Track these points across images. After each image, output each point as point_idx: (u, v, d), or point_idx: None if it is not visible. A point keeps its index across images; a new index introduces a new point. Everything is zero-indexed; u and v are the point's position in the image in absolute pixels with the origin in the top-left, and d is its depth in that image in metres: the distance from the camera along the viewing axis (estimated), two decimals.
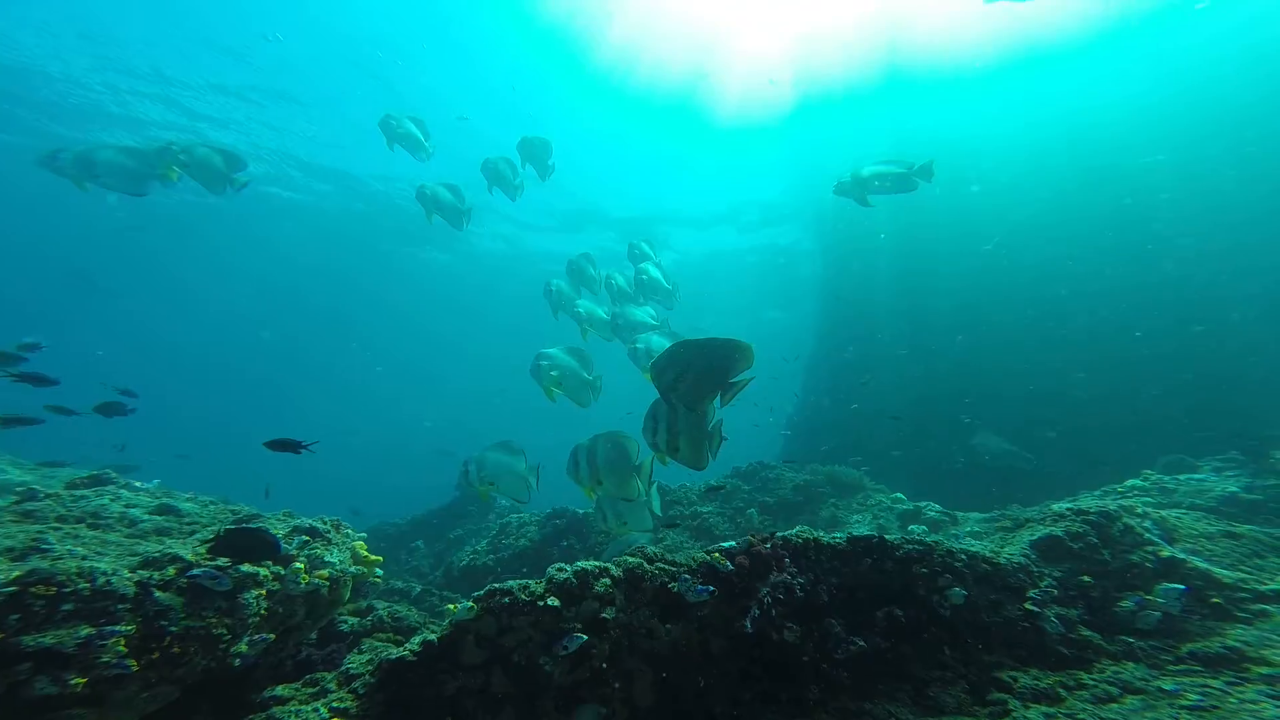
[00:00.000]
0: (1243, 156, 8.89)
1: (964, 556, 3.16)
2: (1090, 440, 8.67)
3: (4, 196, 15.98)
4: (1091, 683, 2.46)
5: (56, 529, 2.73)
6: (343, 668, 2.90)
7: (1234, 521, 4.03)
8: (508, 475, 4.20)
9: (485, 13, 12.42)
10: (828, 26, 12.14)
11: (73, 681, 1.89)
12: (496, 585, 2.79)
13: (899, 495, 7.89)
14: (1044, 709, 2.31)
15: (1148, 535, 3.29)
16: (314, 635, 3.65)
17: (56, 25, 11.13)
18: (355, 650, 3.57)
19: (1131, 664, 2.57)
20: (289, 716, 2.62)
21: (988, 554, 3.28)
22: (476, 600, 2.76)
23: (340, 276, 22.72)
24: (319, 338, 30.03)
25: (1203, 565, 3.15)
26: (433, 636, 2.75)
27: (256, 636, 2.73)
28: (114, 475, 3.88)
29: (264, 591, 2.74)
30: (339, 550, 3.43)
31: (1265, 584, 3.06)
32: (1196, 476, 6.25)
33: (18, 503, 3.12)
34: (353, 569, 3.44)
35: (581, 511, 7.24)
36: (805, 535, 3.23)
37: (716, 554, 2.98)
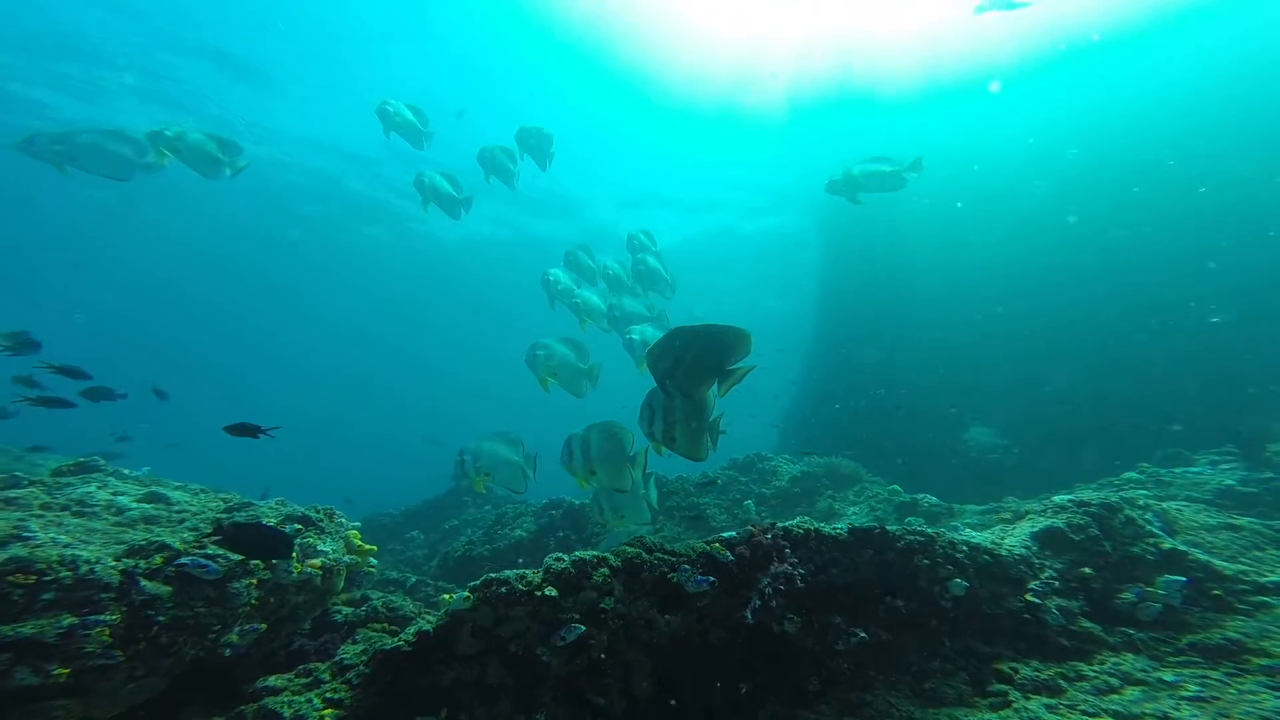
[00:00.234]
0: (1230, 154, 8.89)
1: (966, 548, 3.14)
2: (1082, 434, 8.70)
3: None
4: (1092, 674, 2.44)
5: (40, 516, 2.66)
6: (336, 658, 2.86)
7: (1233, 514, 4.02)
8: (504, 466, 4.15)
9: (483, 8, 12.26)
10: (832, 25, 12.00)
11: (55, 672, 1.83)
12: (493, 575, 2.75)
13: (896, 487, 7.90)
14: (1045, 700, 2.30)
15: (1149, 527, 3.27)
16: (308, 625, 3.61)
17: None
18: (350, 640, 3.53)
19: (1132, 655, 2.56)
20: (282, 707, 2.58)
21: (989, 545, 3.26)
22: (472, 590, 2.72)
23: (319, 259, 22.42)
24: (301, 326, 29.77)
25: (1203, 558, 3.14)
26: (428, 626, 2.71)
27: (247, 626, 2.68)
28: (102, 463, 3.80)
29: (254, 581, 2.68)
30: (332, 539, 3.38)
31: (1265, 576, 3.05)
32: (1193, 470, 6.27)
33: (3, 489, 3.05)
34: (346, 558, 3.39)
35: (578, 502, 7.21)
36: (806, 526, 3.20)
37: (716, 544, 2.95)
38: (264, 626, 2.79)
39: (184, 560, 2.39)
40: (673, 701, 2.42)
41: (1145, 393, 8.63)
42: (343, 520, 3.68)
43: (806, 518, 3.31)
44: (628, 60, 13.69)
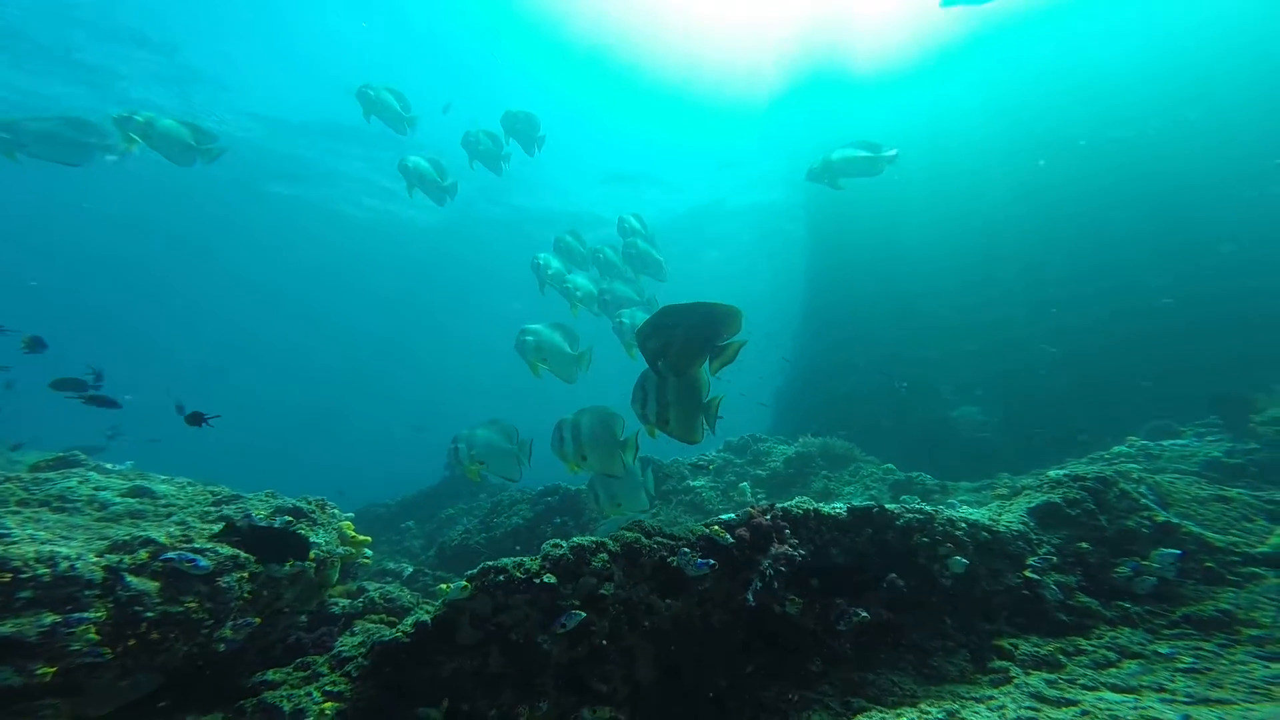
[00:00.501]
0: (1210, 121, 8.88)
1: (964, 525, 3.14)
2: (1071, 409, 8.81)
3: None
4: (1090, 648, 2.47)
5: (16, 513, 2.57)
6: (334, 651, 2.82)
7: (1223, 486, 4.08)
8: (498, 453, 4.09)
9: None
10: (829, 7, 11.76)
11: (40, 671, 1.77)
12: (490, 563, 2.71)
13: (890, 466, 7.96)
14: (1045, 675, 2.32)
15: (1143, 500, 3.30)
16: (304, 618, 3.57)
17: None
18: (347, 632, 3.49)
19: (1128, 629, 2.59)
20: (281, 701, 2.54)
21: (987, 522, 3.27)
22: (470, 579, 2.67)
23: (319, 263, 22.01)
24: (287, 320, 29.32)
25: (1196, 530, 3.17)
26: (426, 617, 2.67)
27: (240, 621, 2.63)
28: (83, 457, 3.69)
29: (246, 574, 2.62)
30: (325, 530, 3.32)
31: (1255, 547, 3.10)
32: (1180, 442, 6.37)
33: None
34: (340, 549, 3.34)
35: (574, 488, 7.20)
36: (805, 506, 3.19)
37: (716, 526, 2.92)
38: (258, 620, 2.73)
39: (171, 555, 2.33)
40: (676, 686, 2.42)
41: (1129, 364, 8.74)
42: (335, 511, 3.62)
43: (805, 498, 3.30)
44: (605, 41, 13.37)
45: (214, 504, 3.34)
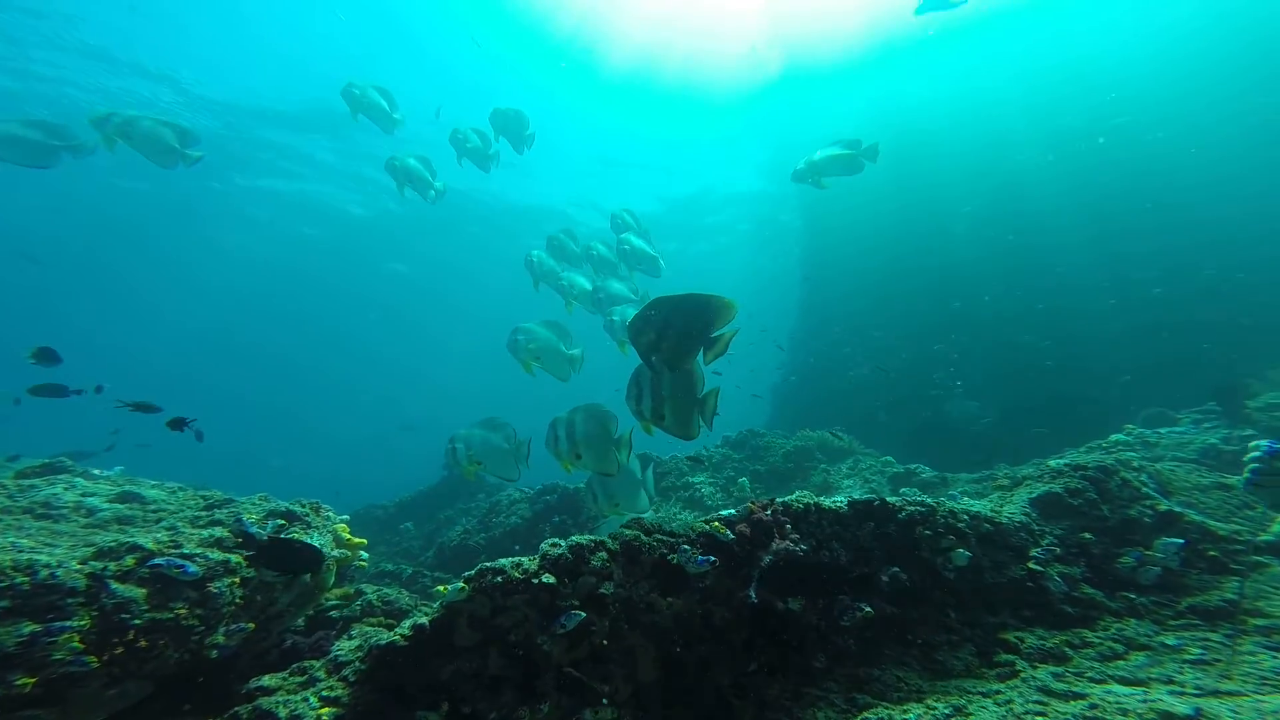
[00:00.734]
0: (1201, 113, 8.89)
1: (966, 517, 3.11)
2: (1064, 398, 8.84)
3: None
4: (1096, 640, 2.44)
5: None
6: (331, 655, 2.77)
7: (1223, 474, 4.07)
8: (495, 453, 4.03)
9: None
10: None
11: (19, 682, 1.71)
12: (488, 564, 2.66)
13: (889, 458, 7.96)
14: (1052, 668, 2.29)
15: (1145, 489, 3.28)
16: (301, 622, 3.51)
17: None
18: (345, 636, 3.44)
19: (1134, 620, 2.56)
20: (277, 707, 2.49)
21: (989, 513, 3.24)
22: (467, 580, 2.63)
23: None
24: (285, 327, 29.10)
25: (1198, 519, 3.15)
26: (424, 620, 2.62)
27: (233, 626, 2.57)
28: (69, 463, 3.62)
29: (238, 579, 2.56)
30: (319, 534, 3.26)
31: (1259, 535, 3.08)
32: (1177, 430, 6.38)
33: None
34: (335, 552, 3.28)
35: (573, 487, 7.15)
36: (805, 500, 3.15)
37: (716, 523, 2.88)
38: (252, 626, 2.68)
39: (158, 561, 2.27)
40: (678, 685, 2.38)
41: (1119, 356, 8.77)
42: (330, 514, 3.56)
43: (806, 492, 3.27)
44: (582, 33, 13.22)
45: (205, 509, 3.27)
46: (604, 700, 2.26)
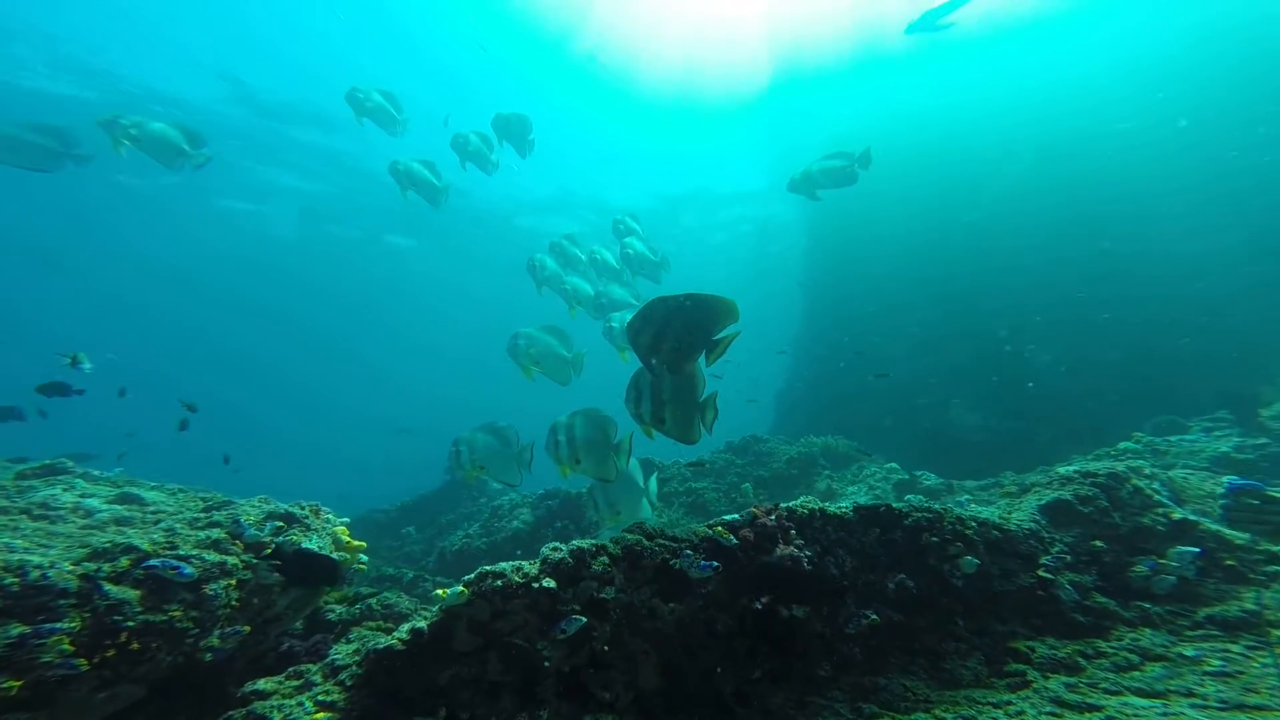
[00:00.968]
0: (1211, 119, 8.86)
1: (974, 524, 3.06)
2: (1069, 407, 8.75)
3: None
4: (1110, 651, 2.37)
5: None
6: (328, 659, 2.72)
7: None
8: (498, 458, 4.00)
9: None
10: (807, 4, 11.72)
11: (5, 684, 1.68)
12: (488, 568, 2.62)
13: (893, 465, 7.87)
14: (1064, 679, 2.22)
15: (1157, 497, 3.21)
16: (300, 625, 3.47)
17: None
18: (343, 640, 3.40)
19: (1149, 630, 2.49)
20: (271, 711, 2.44)
21: (997, 520, 3.18)
22: (467, 584, 2.59)
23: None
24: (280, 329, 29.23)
25: (1213, 527, 3.08)
26: (422, 624, 2.58)
27: (229, 629, 2.54)
28: (69, 464, 3.60)
29: (234, 581, 2.53)
30: (318, 536, 3.22)
31: (1278, 544, 3.01)
32: (1188, 438, 6.28)
33: None
34: (334, 555, 3.24)
35: (575, 492, 7.10)
36: (810, 506, 3.10)
37: (719, 527, 2.84)
38: (248, 629, 2.64)
39: (153, 562, 2.24)
40: (680, 692, 2.32)
41: (1123, 364, 8.69)
42: (330, 516, 3.53)
43: (810, 497, 3.22)
44: (581, 35, 13.29)
45: (204, 510, 3.24)
46: (605, 707, 2.21)
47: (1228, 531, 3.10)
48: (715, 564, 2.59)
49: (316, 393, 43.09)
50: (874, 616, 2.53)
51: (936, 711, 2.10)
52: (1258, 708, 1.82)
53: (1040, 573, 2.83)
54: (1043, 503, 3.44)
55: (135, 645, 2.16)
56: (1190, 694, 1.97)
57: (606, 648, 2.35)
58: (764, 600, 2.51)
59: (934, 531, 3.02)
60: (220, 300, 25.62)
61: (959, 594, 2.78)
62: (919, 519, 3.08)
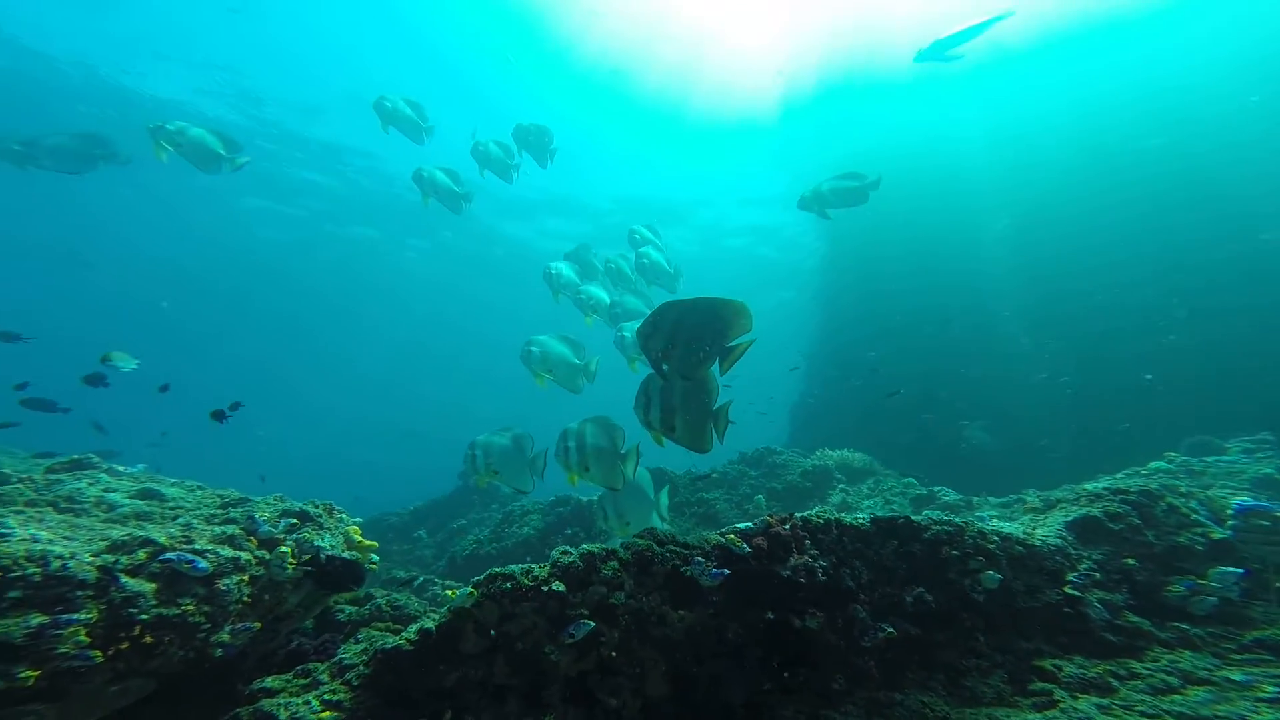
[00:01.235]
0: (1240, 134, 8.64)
1: (997, 538, 2.95)
2: (1091, 428, 8.49)
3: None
4: (1146, 672, 2.25)
5: (21, 513, 2.54)
6: (336, 658, 2.72)
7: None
8: (513, 464, 3.98)
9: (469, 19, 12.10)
10: (837, 18, 11.79)
11: (21, 675, 1.70)
12: (497, 570, 2.60)
13: (911, 480, 7.69)
14: (1095, 700, 2.11)
15: (1195, 516, 3.06)
16: (310, 624, 3.48)
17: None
18: (351, 640, 3.40)
19: (1190, 652, 2.36)
20: (278, 709, 2.44)
21: (1021, 536, 3.07)
22: (476, 586, 2.57)
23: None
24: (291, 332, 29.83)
25: (1260, 548, 2.92)
26: (430, 625, 2.57)
27: (240, 625, 2.55)
28: (96, 460, 3.69)
29: (246, 577, 2.55)
30: (331, 535, 3.24)
31: None
32: (1226, 459, 6.01)
33: None
34: (346, 554, 3.25)
35: (586, 500, 7.07)
36: (825, 516, 3.03)
37: (732, 535, 2.78)
38: (258, 625, 2.65)
39: (169, 555, 2.26)
40: (688, 701, 2.26)
41: (1150, 385, 8.39)
42: (343, 516, 3.55)
43: (826, 508, 3.14)
44: (615, 64, 13.53)
45: (221, 507, 3.29)
46: (611, 714, 2.16)
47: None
48: (727, 572, 2.54)
49: (329, 399, 43.93)
50: (890, 630, 2.45)
51: None
52: None
53: (1067, 589, 2.72)
54: (1070, 519, 3.32)
55: (148, 639, 2.17)
56: None
57: (614, 654, 2.30)
58: (777, 610, 2.45)
59: (954, 545, 2.92)
60: (233, 305, 26.28)
61: (980, 609, 2.67)
62: (939, 532, 2.99)
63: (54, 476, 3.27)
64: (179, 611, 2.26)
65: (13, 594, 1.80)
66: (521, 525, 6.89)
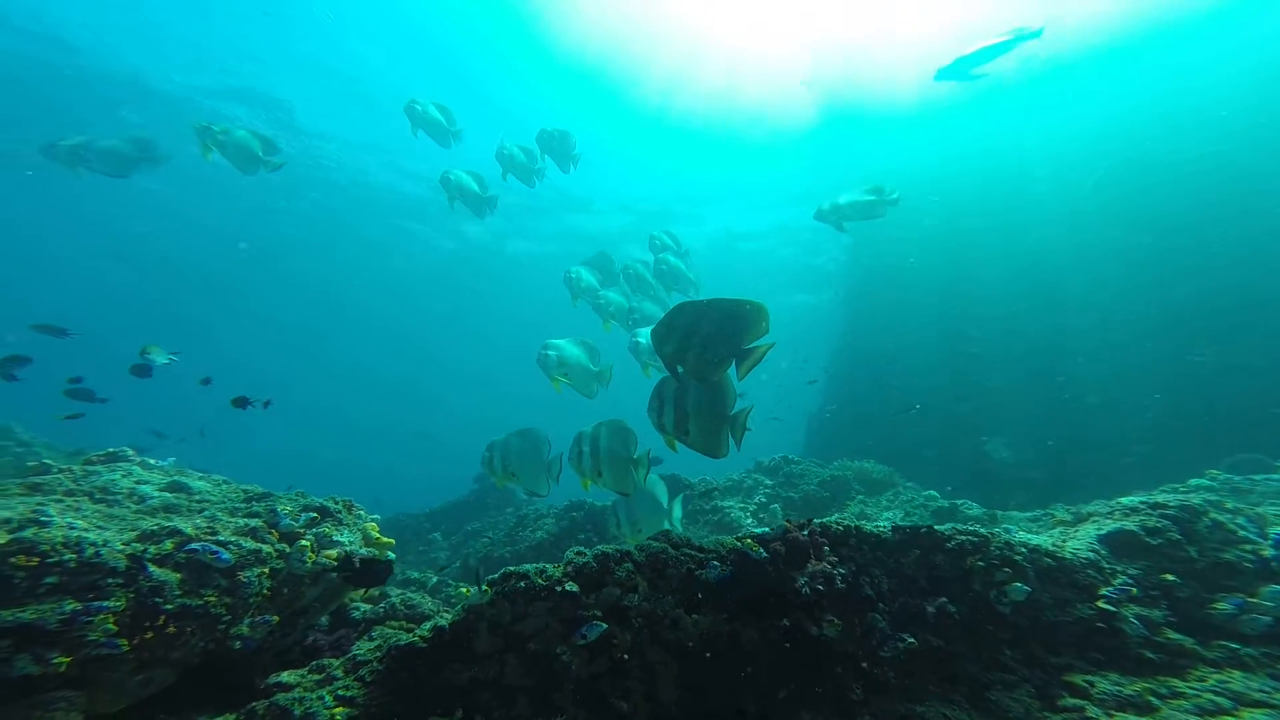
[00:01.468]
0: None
1: (1024, 549, 2.84)
2: (1122, 445, 8.17)
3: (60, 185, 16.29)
4: (1191, 691, 2.13)
5: (60, 502, 2.63)
6: (350, 654, 2.74)
7: None
8: (531, 465, 3.98)
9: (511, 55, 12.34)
10: (862, 35, 11.76)
11: (55, 660, 1.75)
12: (512, 569, 2.60)
13: (932, 493, 7.48)
14: (1133, 718, 2.00)
15: (1243, 533, 2.91)
16: (326, 621, 3.52)
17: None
18: (366, 637, 3.42)
19: (1240, 673, 2.22)
20: (293, 704, 2.46)
21: (1050, 548, 2.95)
22: (491, 584, 2.57)
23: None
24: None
25: None
26: (444, 622, 2.57)
27: (258, 618, 2.59)
28: (130, 453, 3.81)
29: (266, 570, 2.59)
30: (349, 531, 3.28)
31: None
32: (1275, 477, 5.70)
33: (30, 476, 3.06)
34: (363, 550, 3.29)
35: (600, 504, 7.04)
36: (845, 523, 2.96)
37: (749, 540, 2.74)
38: (276, 619, 2.69)
39: (195, 546, 2.32)
40: (700, 707, 2.21)
41: (1182, 403, 8.06)
42: (361, 513, 3.60)
43: (845, 515, 3.08)
44: (636, 76, 13.66)
45: (245, 500, 3.36)
46: (622, 717, 2.12)
47: None
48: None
49: (351, 405, 44.87)
50: (911, 640, 2.37)
51: None
52: None
53: (1100, 604, 2.60)
54: (1103, 532, 3.18)
55: (171, 629, 2.22)
56: None
57: (626, 656, 2.27)
58: (793, 616, 2.39)
59: (979, 555, 2.82)
60: (255, 310, 26.97)
61: (1006, 622, 2.57)
62: (963, 542, 2.90)
63: (91, 468, 3.38)
64: (202, 602, 2.31)
65: (49, 579, 1.86)
66: (535, 529, 6.89)
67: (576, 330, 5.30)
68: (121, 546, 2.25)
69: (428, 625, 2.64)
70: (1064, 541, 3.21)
